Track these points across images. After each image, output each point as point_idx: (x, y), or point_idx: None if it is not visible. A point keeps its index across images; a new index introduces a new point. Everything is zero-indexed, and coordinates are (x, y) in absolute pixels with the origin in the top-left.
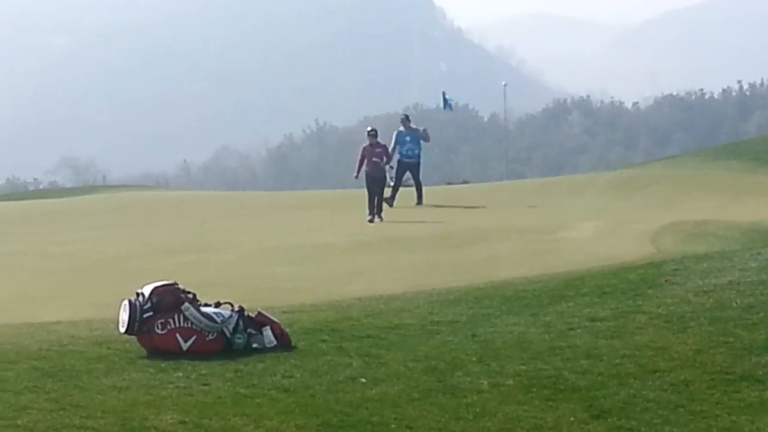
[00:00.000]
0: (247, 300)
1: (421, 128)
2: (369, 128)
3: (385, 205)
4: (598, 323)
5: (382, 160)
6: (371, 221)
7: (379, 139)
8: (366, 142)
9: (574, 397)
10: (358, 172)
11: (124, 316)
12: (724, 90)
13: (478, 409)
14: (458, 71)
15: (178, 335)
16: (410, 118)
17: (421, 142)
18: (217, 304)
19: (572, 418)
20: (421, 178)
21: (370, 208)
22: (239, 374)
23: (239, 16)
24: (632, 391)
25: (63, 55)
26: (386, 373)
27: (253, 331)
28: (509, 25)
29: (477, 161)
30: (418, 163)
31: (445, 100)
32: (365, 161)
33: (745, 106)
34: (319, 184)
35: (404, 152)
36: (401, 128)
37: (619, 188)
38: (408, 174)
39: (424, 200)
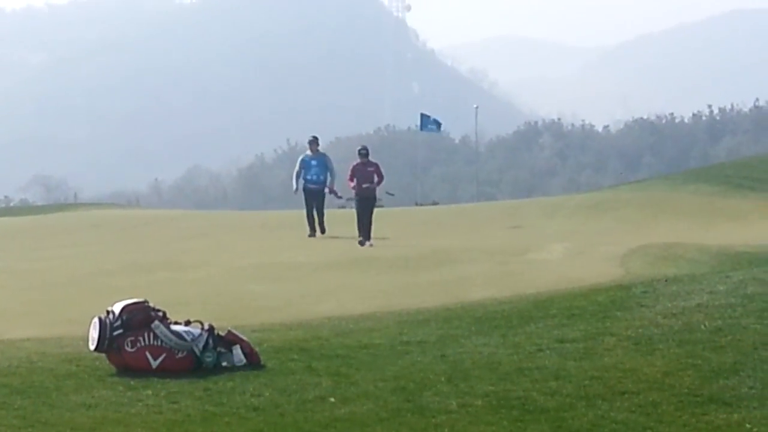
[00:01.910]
0: (217, 318)
1: (328, 156)
2: (360, 147)
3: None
4: (567, 345)
5: (373, 182)
6: (362, 244)
7: (370, 157)
8: (357, 160)
9: (543, 418)
10: (352, 186)
11: (93, 333)
12: (694, 114)
13: (446, 430)
14: (430, 93)
15: (147, 353)
16: (318, 140)
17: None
18: (187, 323)
19: None
20: (324, 208)
21: (360, 230)
22: (208, 392)
23: (212, 38)
24: (600, 413)
25: (37, 73)
26: (355, 392)
27: (222, 350)
28: (482, 47)
29: (447, 183)
30: (323, 191)
31: (429, 122)
32: (355, 180)
33: (715, 130)
34: (290, 204)
35: (309, 177)
36: (307, 152)
37: (589, 211)
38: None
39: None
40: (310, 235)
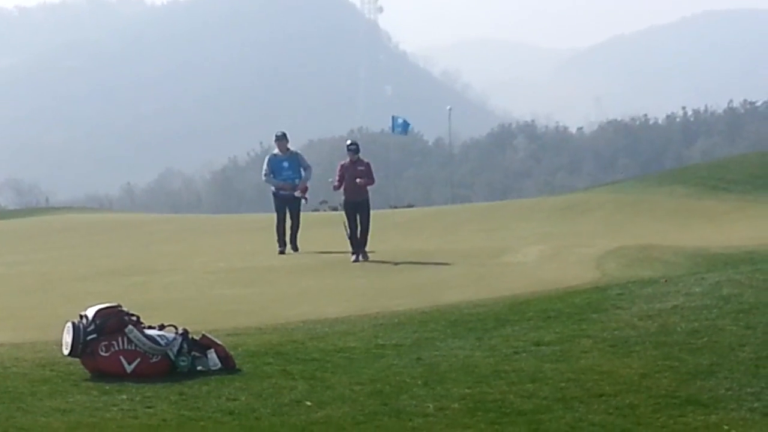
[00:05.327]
0: (192, 322)
1: (301, 154)
2: (349, 142)
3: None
4: (543, 347)
5: (365, 182)
6: (356, 260)
7: (360, 155)
8: (345, 159)
9: (519, 420)
10: (340, 185)
11: (67, 338)
12: (668, 116)
13: None
14: (403, 95)
15: (121, 357)
16: (287, 136)
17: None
18: (161, 327)
19: None
20: (300, 217)
21: (352, 243)
22: (184, 397)
23: (185, 41)
24: (577, 415)
25: (6, 77)
26: (331, 396)
27: (197, 354)
28: (455, 49)
29: (421, 185)
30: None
31: (398, 124)
32: (343, 183)
33: (690, 131)
34: (264, 207)
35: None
36: (275, 151)
37: (564, 213)
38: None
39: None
40: (280, 252)
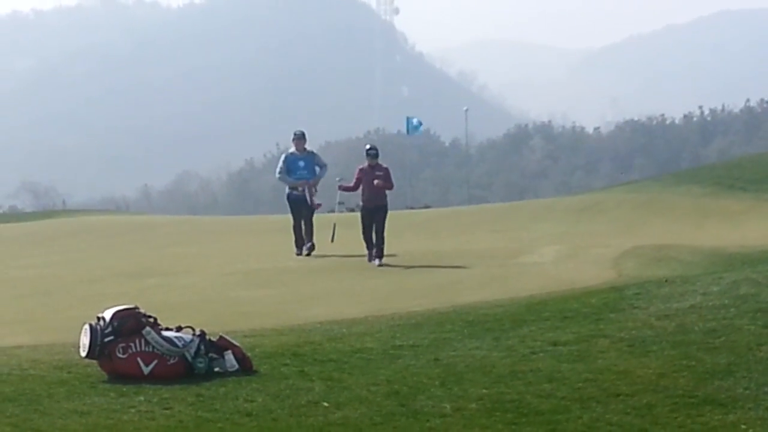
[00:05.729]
0: (209, 324)
1: (318, 155)
2: (368, 146)
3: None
4: (561, 347)
5: (383, 183)
6: (370, 261)
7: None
8: (364, 163)
9: (537, 420)
10: (355, 188)
11: (85, 340)
12: (685, 115)
13: None
14: (420, 96)
15: (139, 359)
16: (305, 136)
17: (317, 169)
18: (179, 329)
19: None
20: (313, 222)
21: (368, 246)
22: (201, 398)
23: (201, 44)
24: (595, 415)
25: (24, 79)
26: (348, 397)
27: (214, 356)
28: (471, 50)
29: (438, 186)
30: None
31: (412, 125)
32: (360, 187)
33: (707, 131)
34: (280, 208)
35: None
36: (292, 149)
37: (581, 213)
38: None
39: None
40: (297, 254)
